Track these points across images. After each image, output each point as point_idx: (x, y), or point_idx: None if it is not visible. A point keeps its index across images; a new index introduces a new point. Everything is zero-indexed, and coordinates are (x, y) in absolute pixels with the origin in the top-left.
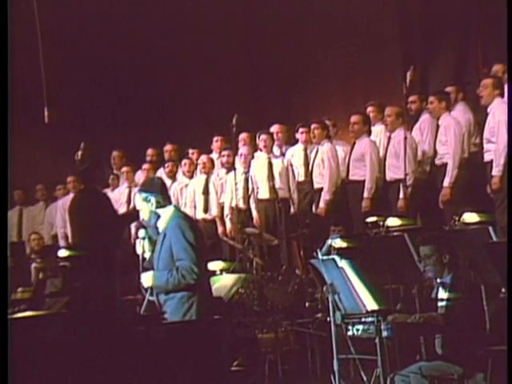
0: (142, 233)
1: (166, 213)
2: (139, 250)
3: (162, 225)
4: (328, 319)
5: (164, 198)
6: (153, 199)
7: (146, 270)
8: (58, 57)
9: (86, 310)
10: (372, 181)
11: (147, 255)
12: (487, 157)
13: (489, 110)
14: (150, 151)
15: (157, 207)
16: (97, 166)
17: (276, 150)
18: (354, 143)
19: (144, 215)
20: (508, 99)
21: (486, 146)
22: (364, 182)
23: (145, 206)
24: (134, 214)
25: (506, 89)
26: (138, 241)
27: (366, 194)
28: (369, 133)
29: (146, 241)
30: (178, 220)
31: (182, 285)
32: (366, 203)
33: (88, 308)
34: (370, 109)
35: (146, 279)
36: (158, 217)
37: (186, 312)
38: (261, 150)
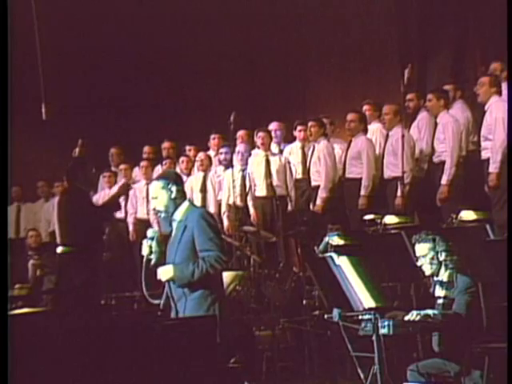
0: (150, 232)
1: (184, 205)
2: (145, 251)
3: (178, 216)
4: (326, 317)
5: (183, 190)
6: (174, 188)
7: (150, 271)
8: (55, 53)
9: (79, 306)
10: (369, 179)
11: (154, 256)
12: (484, 154)
13: (486, 107)
14: (147, 148)
15: (176, 197)
16: (79, 166)
17: (274, 148)
18: (351, 141)
19: (160, 203)
20: (508, 97)
21: (483, 143)
22: (361, 179)
23: (164, 194)
24: (114, 204)
25: (506, 87)
26: (144, 241)
27: (362, 192)
28: (365, 131)
29: (155, 241)
30: (200, 211)
31: (211, 273)
32: (363, 201)
33: (80, 304)
34: (365, 107)
35: (166, 272)
36: (175, 208)
37: (210, 306)
38: (258, 148)
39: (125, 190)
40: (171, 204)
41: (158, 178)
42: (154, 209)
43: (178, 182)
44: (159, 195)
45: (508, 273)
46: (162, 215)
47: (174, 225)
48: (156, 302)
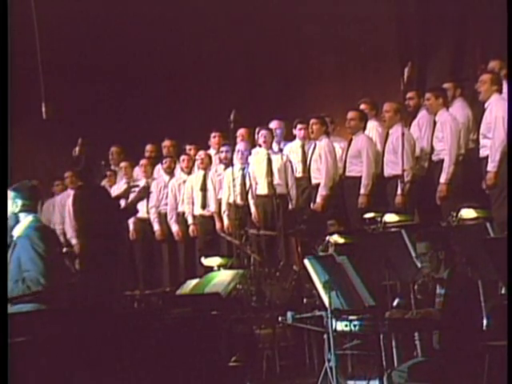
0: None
1: (24, 221)
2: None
3: (16, 233)
4: (325, 315)
5: (31, 205)
6: (19, 202)
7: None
8: (55, 52)
9: (85, 306)
10: (368, 177)
11: None
12: (483, 152)
13: (486, 105)
14: (148, 147)
15: (20, 211)
16: (93, 162)
17: (275, 146)
18: (351, 139)
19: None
20: (508, 96)
21: (482, 141)
22: (361, 178)
23: (10, 206)
24: (133, 208)
25: (506, 85)
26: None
27: (362, 191)
28: (364, 129)
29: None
30: (28, 230)
31: (29, 296)
32: (363, 199)
33: (88, 303)
34: (363, 106)
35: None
36: (16, 222)
37: None
38: (260, 146)
39: (145, 193)
40: (13, 217)
41: (10, 189)
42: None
43: (26, 195)
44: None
45: (508, 271)
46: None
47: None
48: None
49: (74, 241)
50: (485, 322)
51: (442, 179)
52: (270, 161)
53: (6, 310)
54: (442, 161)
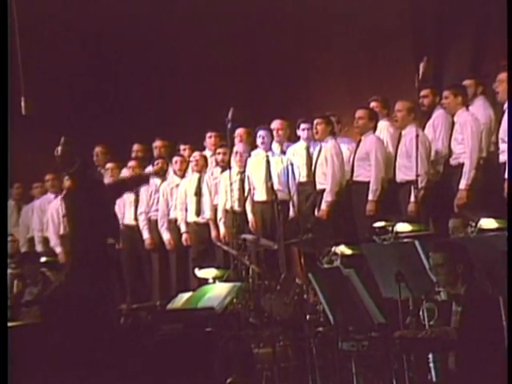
0: None
1: None
2: None
3: None
4: (330, 333)
5: None
6: None
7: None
8: (36, 45)
9: (69, 320)
10: (377, 182)
11: None
12: (502, 157)
13: (505, 107)
14: (135, 147)
15: None
16: (87, 165)
17: (276, 148)
18: (360, 141)
19: None
20: (508, 98)
21: (500, 145)
22: (369, 183)
23: None
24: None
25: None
26: None
27: (370, 197)
28: (375, 129)
29: None
30: None
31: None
32: (371, 206)
33: (72, 317)
34: (373, 104)
35: None
36: None
37: None
38: (259, 147)
39: (144, 180)
40: None
41: None
42: None
43: None
44: None
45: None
46: None
47: None
48: None
49: (58, 249)
50: (506, 342)
51: (462, 185)
52: (268, 164)
53: (6, 312)
54: (462, 165)
